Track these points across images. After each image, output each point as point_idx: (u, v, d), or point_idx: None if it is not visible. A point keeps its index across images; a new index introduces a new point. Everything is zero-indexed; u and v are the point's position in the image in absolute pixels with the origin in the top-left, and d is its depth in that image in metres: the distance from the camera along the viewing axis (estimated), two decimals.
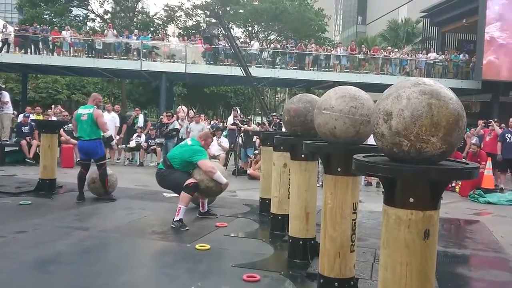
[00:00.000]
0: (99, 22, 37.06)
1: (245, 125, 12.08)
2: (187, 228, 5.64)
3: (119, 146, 12.36)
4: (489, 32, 21.10)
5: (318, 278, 3.49)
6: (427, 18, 28.52)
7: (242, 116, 14.60)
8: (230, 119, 12.99)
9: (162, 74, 22.08)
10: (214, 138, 11.85)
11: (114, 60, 21.52)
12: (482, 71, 20.95)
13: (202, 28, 18.86)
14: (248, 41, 25.41)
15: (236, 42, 21.17)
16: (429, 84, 2.23)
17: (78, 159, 7.44)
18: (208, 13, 32.25)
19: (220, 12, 17.82)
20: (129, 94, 38.47)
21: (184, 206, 5.70)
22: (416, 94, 2.18)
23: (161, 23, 37.19)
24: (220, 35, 18.11)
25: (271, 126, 12.49)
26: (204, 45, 19.74)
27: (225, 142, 11.82)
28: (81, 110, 7.33)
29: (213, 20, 17.48)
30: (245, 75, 15.53)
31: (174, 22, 37.75)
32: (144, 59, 21.50)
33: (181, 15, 37.82)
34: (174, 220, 5.69)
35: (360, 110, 3.31)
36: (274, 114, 14.09)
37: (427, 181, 2.18)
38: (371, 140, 3.57)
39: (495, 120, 12.21)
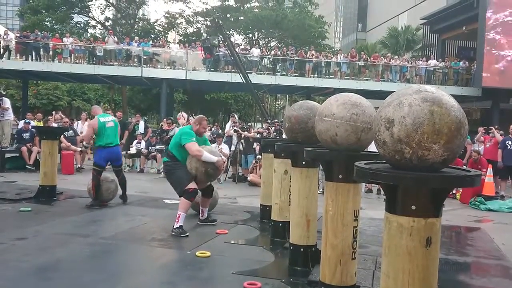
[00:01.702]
0: (100, 29, 37.26)
1: (245, 132, 12.08)
2: (187, 234, 5.62)
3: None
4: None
5: (319, 285, 3.47)
6: (427, 26, 28.62)
7: (242, 123, 14.61)
8: (228, 126, 13.00)
9: (163, 81, 22.14)
10: (215, 144, 11.85)
11: (114, 67, 21.59)
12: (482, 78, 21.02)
13: (203, 38, 18.98)
14: (249, 48, 25.49)
15: (237, 49, 21.27)
16: (430, 91, 2.23)
17: (94, 168, 7.37)
18: (208, 23, 32.39)
19: (221, 22, 17.86)
20: (129, 100, 38.55)
21: (183, 212, 5.69)
22: (418, 101, 2.17)
23: (161, 30, 37.36)
24: (221, 43, 18.18)
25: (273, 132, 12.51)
26: (205, 54, 19.86)
27: (225, 149, 11.82)
28: (103, 118, 7.47)
29: (213, 27, 17.56)
30: (245, 82, 15.59)
31: (174, 29, 37.91)
32: (144, 65, 21.57)
33: (182, 22, 37.98)
34: (174, 227, 5.67)
35: (361, 117, 3.31)
36: (276, 121, 14.11)
37: (429, 188, 2.17)
38: (372, 147, 3.57)
39: (496, 127, 12.20)
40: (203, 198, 6.29)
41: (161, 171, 12.31)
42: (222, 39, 17.68)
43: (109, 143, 7.36)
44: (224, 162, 6.14)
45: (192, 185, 5.74)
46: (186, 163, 5.88)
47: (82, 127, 13.59)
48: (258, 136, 11.95)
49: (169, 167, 6.01)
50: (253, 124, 36.69)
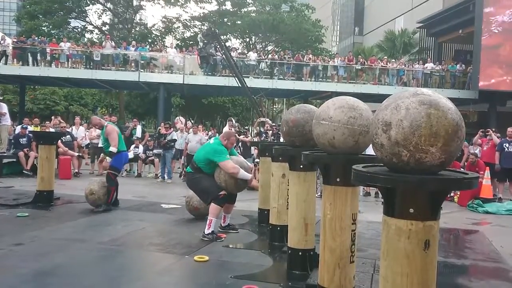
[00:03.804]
0: (97, 34, 37.26)
1: (242, 136, 12.08)
2: (222, 239, 5.63)
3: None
4: None
5: None
6: (424, 29, 28.73)
7: (239, 127, 14.62)
8: (226, 130, 12.99)
9: (160, 85, 22.15)
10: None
11: (112, 72, 21.59)
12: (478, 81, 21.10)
13: (199, 47, 19.07)
14: (246, 52, 25.55)
15: (234, 53, 21.31)
16: (427, 94, 2.23)
17: (113, 172, 7.43)
18: (205, 30, 32.40)
19: (217, 31, 17.93)
20: (127, 105, 38.56)
21: (215, 218, 5.68)
22: (415, 104, 2.18)
23: (159, 34, 37.39)
24: (218, 48, 18.22)
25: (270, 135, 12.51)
26: (201, 64, 19.92)
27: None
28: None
29: (209, 36, 17.61)
30: (242, 89, 15.64)
31: (172, 33, 37.94)
32: (142, 70, 21.58)
33: (179, 27, 38.04)
34: (206, 233, 5.64)
35: (359, 120, 3.31)
36: (274, 124, 14.13)
37: (427, 191, 2.17)
38: (369, 150, 3.57)
39: (493, 129, 12.22)
40: (226, 204, 6.13)
41: (158, 175, 12.31)
42: (219, 46, 17.73)
43: (124, 148, 7.67)
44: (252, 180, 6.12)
45: (223, 192, 5.73)
46: (212, 175, 5.84)
47: (77, 132, 13.56)
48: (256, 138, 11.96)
49: (193, 176, 5.97)
50: (250, 128, 36.74)
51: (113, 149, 7.34)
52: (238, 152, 11.71)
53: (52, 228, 6.08)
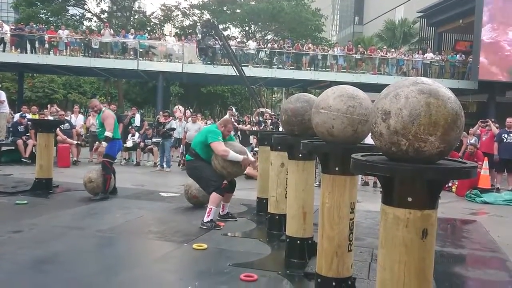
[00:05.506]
0: (95, 22, 37.10)
1: (241, 125, 12.08)
2: (220, 227, 5.65)
3: None
4: None
5: (316, 277, 3.48)
6: (424, 19, 28.59)
7: (238, 116, 14.62)
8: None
9: (159, 74, 22.06)
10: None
11: (110, 60, 21.49)
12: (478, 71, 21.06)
13: (197, 38, 18.96)
14: (245, 41, 25.43)
15: (233, 42, 21.19)
16: (427, 83, 2.22)
17: (108, 160, 7.37)
18: (203, 22, 32.28)
19: (216, 23, 17.89)
20: (125, 93, 38.46)
21: (215, 207, 5.69)
22: (415, 93, 2.17)
23: (158, 22, 37.21)
24: (216, 40, 18.16)
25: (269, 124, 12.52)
26: (200, 56, 19.85)
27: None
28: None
29: (208, 27, 17.52)
30: (241, 79, 15.62)
31: (171, 21, 37.76)
32: (141, 58, 21.47)
33: (178, 15, 37.85)
34: (205, 221, 5.64)
35: (358, 109, 3.30)
36: (273, 114, 14.12)
37: (426, 180, 2.17)
38: (368, 140, 3.57)
39: (492, 120, 12.20)
40: (225, 193, 6.12)
41: (157, 164, 12.32)
42: (217, 37, 17.68)
43: (118, 136, 7.62)
44: (252, 161, 6.08)
45: (224, 182, 5.75)
46: (210, 161, 5.82)
47: (76, 120, 13.54)
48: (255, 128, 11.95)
49: (194, 165, 5.93)
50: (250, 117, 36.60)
51: (108, 133, 7.27)
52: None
53: (51, 216, 6.09)
